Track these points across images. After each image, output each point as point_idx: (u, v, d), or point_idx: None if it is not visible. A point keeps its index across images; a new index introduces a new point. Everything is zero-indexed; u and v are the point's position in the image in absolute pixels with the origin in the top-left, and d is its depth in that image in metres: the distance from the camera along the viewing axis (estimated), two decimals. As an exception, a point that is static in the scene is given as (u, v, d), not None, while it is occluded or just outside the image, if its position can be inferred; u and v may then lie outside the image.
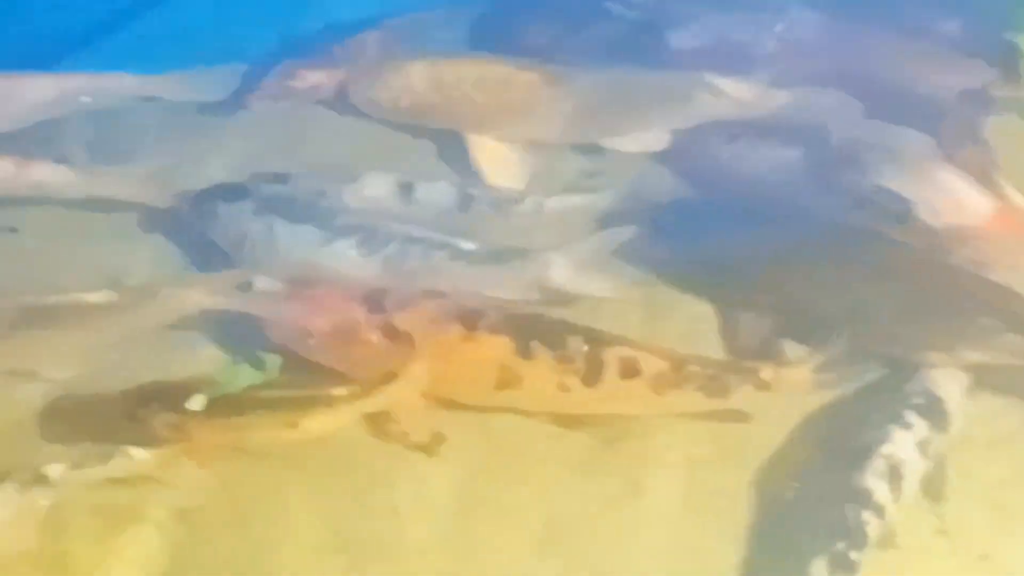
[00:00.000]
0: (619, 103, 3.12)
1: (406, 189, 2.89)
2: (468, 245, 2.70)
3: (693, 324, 2.74)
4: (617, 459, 2.50)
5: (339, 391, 2.47)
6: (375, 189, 2.90)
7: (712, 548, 2.36)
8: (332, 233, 2.72)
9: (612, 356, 2.47)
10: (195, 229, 2.87)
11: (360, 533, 2.40)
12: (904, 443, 2.40)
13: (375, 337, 2.52)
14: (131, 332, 2.63)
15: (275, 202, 2.84)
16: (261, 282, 2.65)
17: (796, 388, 2.52)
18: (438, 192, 2.90)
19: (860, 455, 2.37)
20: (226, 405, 2.51)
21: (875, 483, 2.32)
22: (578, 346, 2.48)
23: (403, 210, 2.86)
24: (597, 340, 2.49)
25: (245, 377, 2.62)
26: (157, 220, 2.97)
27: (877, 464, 2.33)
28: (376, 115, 3.12)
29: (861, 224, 2.80)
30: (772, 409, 2.54)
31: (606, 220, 2.86)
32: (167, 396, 2.51)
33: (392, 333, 2.52)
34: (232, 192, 2.87)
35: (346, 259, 2.70)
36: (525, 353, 2.47)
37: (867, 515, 2.27)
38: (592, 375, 2.47)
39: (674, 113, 3.06)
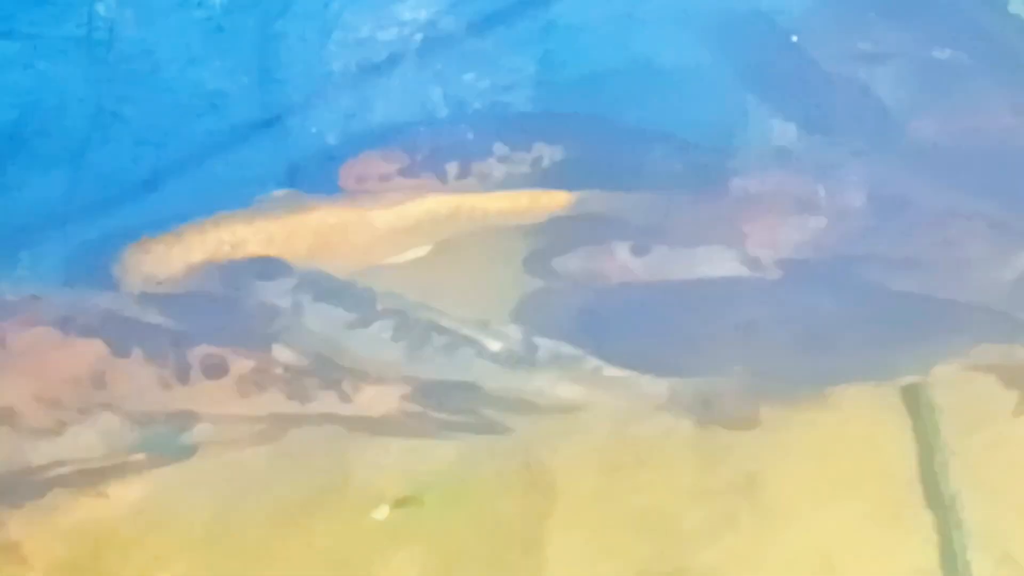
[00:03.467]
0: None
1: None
2: (494, 346, 2.82)
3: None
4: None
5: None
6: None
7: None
8: (370, 316, 2.86)
9: (197, 355, 2.71)
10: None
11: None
12: None
13: None
14: None
15: (313, 284, 2.95)
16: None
17: (379, 409, 2.73)
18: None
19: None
20: (25, 490, 2.65)
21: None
22: (166, 346, 2.72)
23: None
24: (185, 340, 2.73)
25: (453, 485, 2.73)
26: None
27: None
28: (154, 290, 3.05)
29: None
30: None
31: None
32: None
33: None
34: (272, 269, 3.03)
35: (378, 342, 2.82)
36: (122, 353, 2.69)
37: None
38: (183, 373, 2.69)
39: None
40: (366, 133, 3.31)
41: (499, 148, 3.27)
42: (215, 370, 2.72)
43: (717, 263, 3.08)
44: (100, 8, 3.43)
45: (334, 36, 3.46)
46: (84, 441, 2.75)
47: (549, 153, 3.25)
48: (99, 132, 3.28)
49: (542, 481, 2.70)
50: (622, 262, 3.04)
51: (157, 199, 3.16)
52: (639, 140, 3.33)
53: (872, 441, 2.77)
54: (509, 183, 3.22)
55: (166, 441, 2.75)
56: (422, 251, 3.14)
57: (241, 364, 2.73)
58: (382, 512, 2.64)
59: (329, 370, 2.80)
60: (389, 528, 2.68)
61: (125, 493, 2.69)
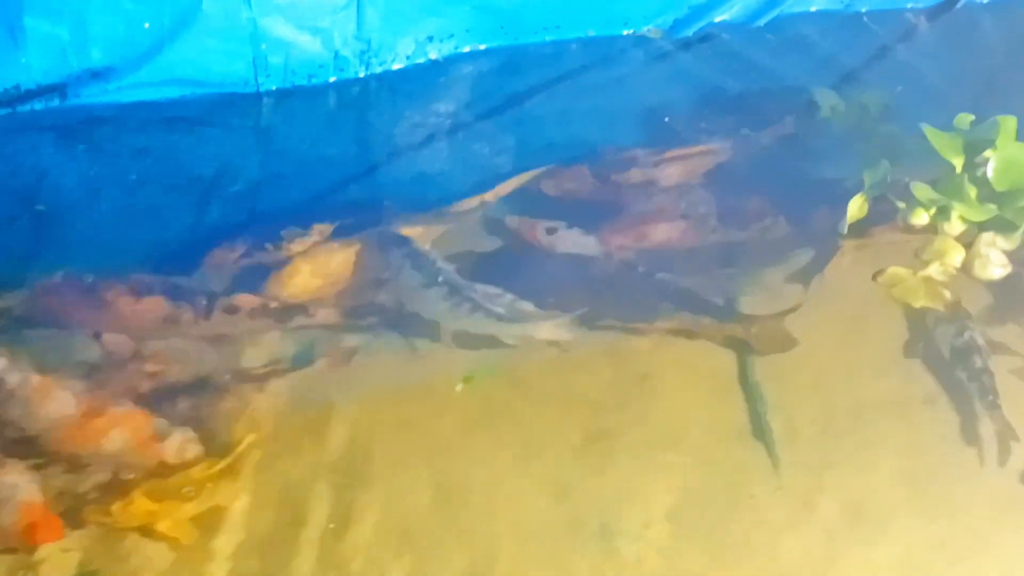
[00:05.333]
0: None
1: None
2: (498, 310, 3.36)
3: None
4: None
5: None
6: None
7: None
8: (432, 284, 3.39)
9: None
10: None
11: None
12: None
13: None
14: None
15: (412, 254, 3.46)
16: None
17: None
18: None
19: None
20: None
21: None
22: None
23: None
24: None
25: (488, 373, 3.28)
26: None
27: None
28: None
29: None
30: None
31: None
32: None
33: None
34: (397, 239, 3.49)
35: (438, 302, 3.37)
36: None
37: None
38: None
39: None
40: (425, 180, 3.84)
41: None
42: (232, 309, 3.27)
43: (590, 247, 3.61)
44: (267, 104, 4.03)
45: (399, 124, 4.07)
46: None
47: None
48: (259, 184, 3.88)
49: (523, 370, 3.31)
50: (539, 235, 3.60)
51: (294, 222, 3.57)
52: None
53: (711, 354, 3.38)
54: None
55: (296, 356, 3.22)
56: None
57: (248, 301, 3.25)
58: (459, 386, 3.26)
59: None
60: (463, 397, 3.25)
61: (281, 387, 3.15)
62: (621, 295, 3.52)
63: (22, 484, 2.83)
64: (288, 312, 3.33)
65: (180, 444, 2.99)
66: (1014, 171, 3.47)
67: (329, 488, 3.02)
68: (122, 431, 2.96)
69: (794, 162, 3.91)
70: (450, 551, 2.92)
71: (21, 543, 2.78)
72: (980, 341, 3.38)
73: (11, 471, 2.86)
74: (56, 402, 2.98)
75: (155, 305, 3.26)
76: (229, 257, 3.44)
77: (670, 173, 3.84)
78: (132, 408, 3.03)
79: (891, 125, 3.93)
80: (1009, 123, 3.56)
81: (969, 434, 3.23)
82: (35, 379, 3.03)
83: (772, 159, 3.92)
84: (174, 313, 3.26)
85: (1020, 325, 3.53)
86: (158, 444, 2.99)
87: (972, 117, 3.67)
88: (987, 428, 3.24)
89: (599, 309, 3.43)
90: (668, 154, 3.88)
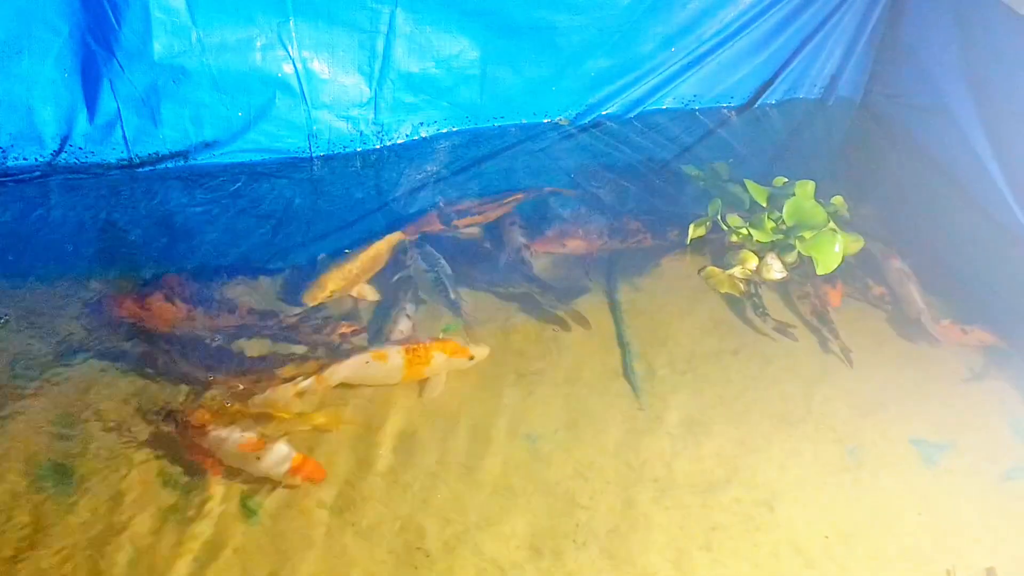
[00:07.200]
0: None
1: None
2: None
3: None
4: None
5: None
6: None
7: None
8: (431, 269, 3.37)
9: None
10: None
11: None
12: None
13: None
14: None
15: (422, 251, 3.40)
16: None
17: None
18: None
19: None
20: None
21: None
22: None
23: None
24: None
25: (456, 327, 3.25)
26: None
27: None
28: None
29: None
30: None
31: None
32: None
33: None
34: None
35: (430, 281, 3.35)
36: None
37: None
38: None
39: None
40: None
41: None
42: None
43: (516, 245, 3.53)
44: (316, 165, 3.91)
45: (402, 178, 3.94)
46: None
47: None
48: (309, 219, 3.74)
49: (476, 328, 3.24)
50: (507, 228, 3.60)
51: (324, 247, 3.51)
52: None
53: (598, 323, 3.34)
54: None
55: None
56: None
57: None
58: (441, 333, 3.16)
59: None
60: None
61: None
62: (505, 277, 3.51)
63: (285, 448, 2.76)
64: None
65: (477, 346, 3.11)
66: (799, 214, 3.52)
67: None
68: (440, 351, 3.01)
69: (663, 203, 3.94)
70: (436, 446, 2.97)
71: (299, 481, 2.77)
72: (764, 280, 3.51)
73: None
74: (393, 358, 2.99)
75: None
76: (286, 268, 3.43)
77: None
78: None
79: (733, 182, 3.86)
80: (808, 185, 3.64)
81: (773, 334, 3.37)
82: (372, 352, 3.02)
83: (645, 199, 3.94)
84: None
85: (786, 303, 3.57)
86: (470, 348, 3.07)
87: (785, 179, 3.72)
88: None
89: (483, 281, 3.47)
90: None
